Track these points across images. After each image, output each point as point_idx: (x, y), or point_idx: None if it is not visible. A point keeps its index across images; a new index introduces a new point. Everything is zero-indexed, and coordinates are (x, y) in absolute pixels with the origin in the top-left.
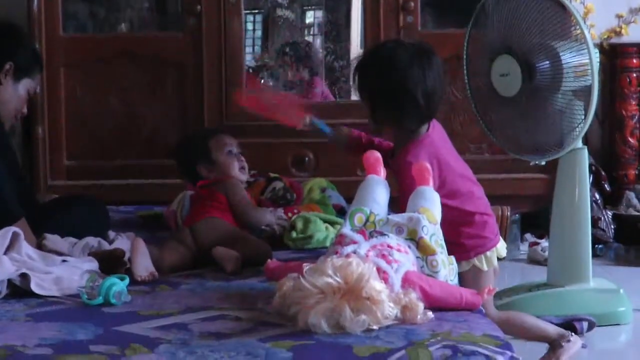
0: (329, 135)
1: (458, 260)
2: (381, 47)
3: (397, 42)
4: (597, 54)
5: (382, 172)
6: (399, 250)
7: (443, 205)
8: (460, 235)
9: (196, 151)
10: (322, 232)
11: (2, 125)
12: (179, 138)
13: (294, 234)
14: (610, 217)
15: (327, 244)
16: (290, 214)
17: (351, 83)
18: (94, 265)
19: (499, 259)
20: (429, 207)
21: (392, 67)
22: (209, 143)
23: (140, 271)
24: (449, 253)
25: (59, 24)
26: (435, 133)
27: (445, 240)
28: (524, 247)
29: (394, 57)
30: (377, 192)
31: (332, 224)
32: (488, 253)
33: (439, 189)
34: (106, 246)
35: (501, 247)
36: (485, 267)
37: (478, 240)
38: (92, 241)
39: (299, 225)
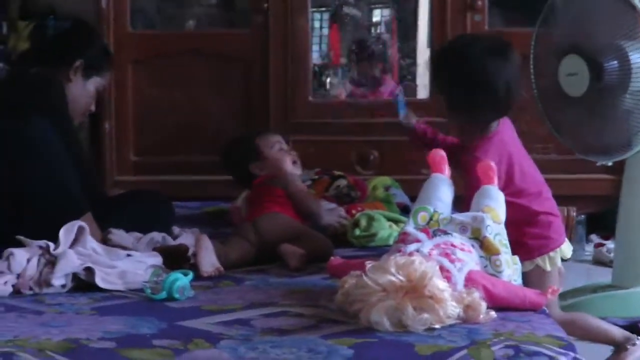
0: (400, 115)
1: (521, 260)
2: (459, 40)
3: (474, 35)
4: None
5: (447, 170)
6: (462, 250)
7: (508, 204)
8: (524, 235)
9: (246, 152)
10: (386, 230)
11: (71, 120)
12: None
13: (357, 232)
14: None
15: (391, 242)
16: (354, 212)
17: (428, 77)
18: (158, 260)
19: (563, 260)
20: (494, 206)
21: (469, 58)
22: (257, 142)
23: (206, 267)
24: (512, 252)
25: (127, 21)
26: (505, 131)
27: (510, 240)
28: (589, 248)
29: (471, 49)
30: (441, 191)
31: (396, 222)
32: (551, 253)
33: (506, 187)
34: (170, 241)
35: (566, 248)
36: (548, 268)
37: (542, 241)
38: (156, 236)
39: (363, 222)
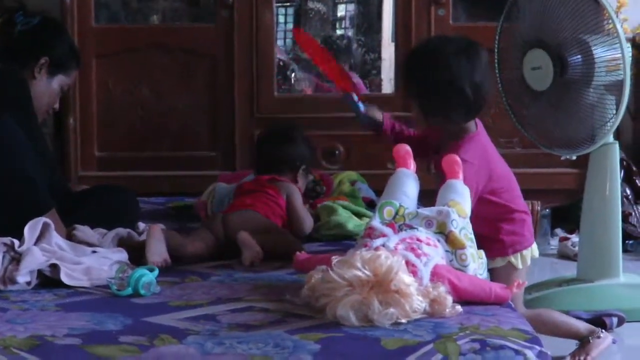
0: (359, 114)
1: (494, 256)
2: (428, 42)
3: (443, 37)
4: (630, 49)
5: (412, 165)
6: (428, 244)
7: (486, 201)
8: (500, 231)
9: (310, 154)
10: (344, 217)
11: (35, 117)
12: (209, 129)
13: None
14: None
15: (349, 225)
16: (319, 206)
17: (394, 81)
18: (123, 256)
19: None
20: (459, 200)
21: (439, 60)
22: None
23: (153, 256)
24: (488, 249)
25: (91, 15)
26: (483, 132)
27: (485, 236)
28: (554, 242)
29: (440, 51)
30: (407, 186)
31: (362, 216)
32: (524, 252)
33: (485, 186)
34: (136, 237)
35: (535, 248)
36: (519, 265)
37: (516, 238)
38: (122, 232)
39: (324, 216)
